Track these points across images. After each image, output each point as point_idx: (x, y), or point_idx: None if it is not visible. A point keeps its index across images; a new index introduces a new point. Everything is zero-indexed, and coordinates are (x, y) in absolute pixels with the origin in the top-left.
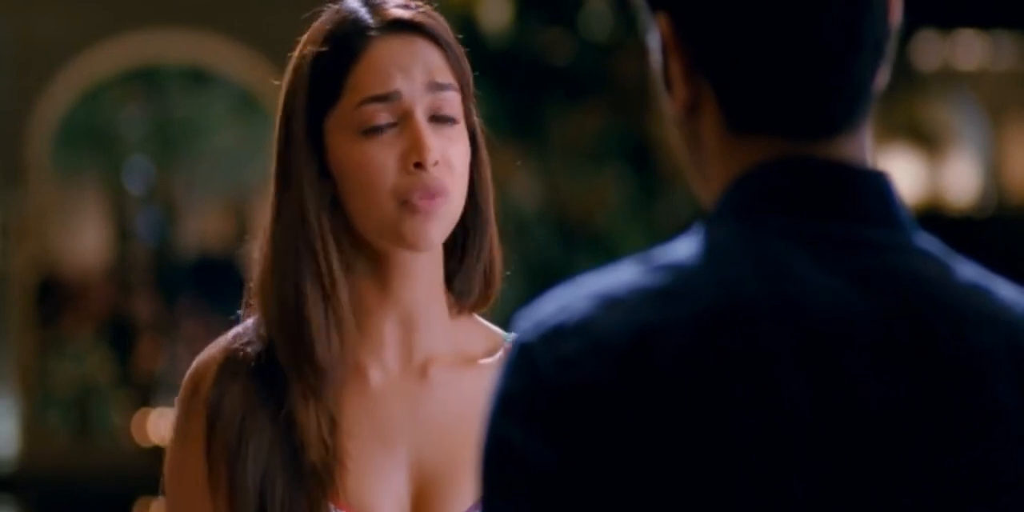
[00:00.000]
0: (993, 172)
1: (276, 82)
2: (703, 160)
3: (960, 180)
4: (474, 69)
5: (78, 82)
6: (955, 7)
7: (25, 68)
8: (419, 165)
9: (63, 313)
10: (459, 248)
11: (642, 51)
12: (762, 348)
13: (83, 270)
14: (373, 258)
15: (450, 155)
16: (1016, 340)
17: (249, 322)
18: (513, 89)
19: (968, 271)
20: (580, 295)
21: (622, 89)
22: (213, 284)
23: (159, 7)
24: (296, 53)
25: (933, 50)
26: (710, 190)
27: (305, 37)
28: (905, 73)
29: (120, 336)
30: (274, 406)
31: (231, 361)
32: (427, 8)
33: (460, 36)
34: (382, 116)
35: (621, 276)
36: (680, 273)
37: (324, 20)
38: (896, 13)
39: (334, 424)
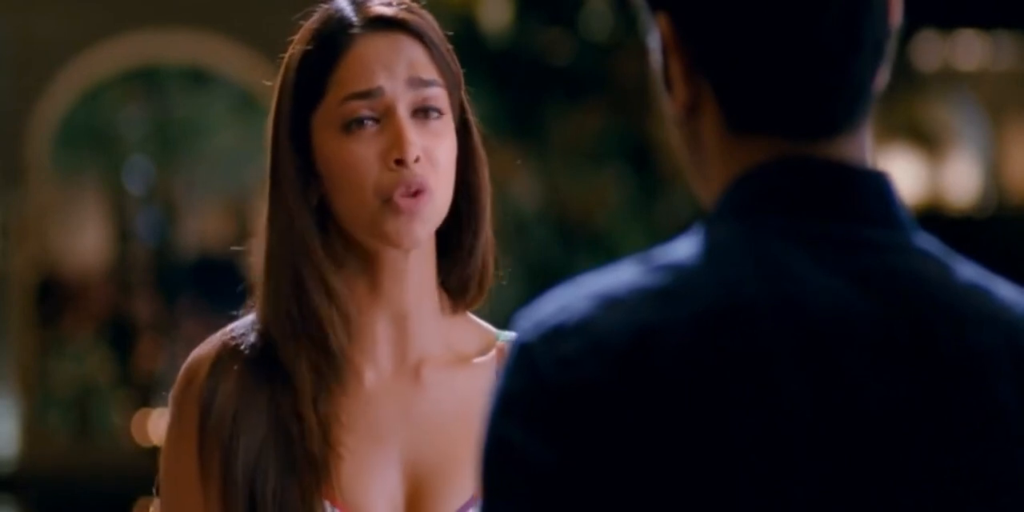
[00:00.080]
0: (993, 172)
1: (269, 83)
2: (703, 160)
3: (960, 180)
4: (474, 69)
5: (78, 82)
6: (955, 7)
7: (25, 68)
8: (400, 161)
9: (63, 313)
10: (452, 244)
11: (642, 51)
12: (762, 348)
13: (83, 270)
14: (364, 257)
15: (434, 151)
16: (1016, 340)
17: (245, 319)
18: (513, 89)
19: (968, 271)
20: (580, 295)
21: (622, 89)
22: (213, 284)
23: (159, 7)
24: (287, 53)
25: (933, 50)
26: (710, 190)
27: (296, 37)
28: (905, 73)
29: (120, 336)
30: (268, 401)
31: (225, 356)
32: (412, 5)
33: (460, 36)
34: (364, 113)
35: (621, 276)
36: (680, 273)
37: (312, 19)
38: (896, 13)
39: (331, 419)
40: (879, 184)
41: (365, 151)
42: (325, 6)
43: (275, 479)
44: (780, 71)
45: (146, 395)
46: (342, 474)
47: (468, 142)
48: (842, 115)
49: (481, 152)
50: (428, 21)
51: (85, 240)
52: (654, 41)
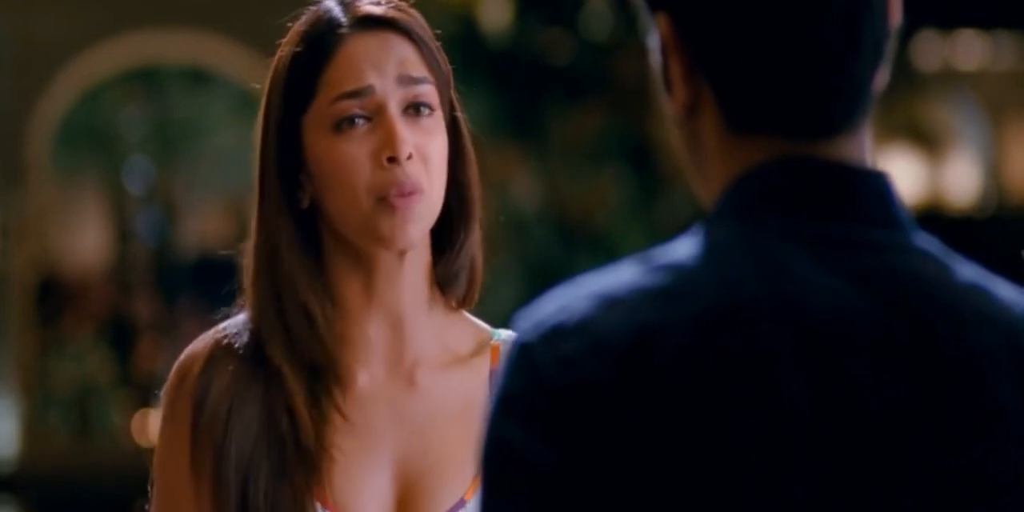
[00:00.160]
0: (993, 172)
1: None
2: (703, 160)
3: (960, 180)
4: (474, 69)
5: (78, 82)
6: (955, 7)
7: (25, 68)
8: (393, 159)
9: (63, 313)
10: (444, 242)
11: (642, 51)
12: (762, 348)
13: (83, 270)
14: (357, 260)
15: (425, 148)
16: (1016, 340)
17: (237, 317)
18: (513, 89)
19: (968, 271)
20: (580, 295)
21: (622, 89)
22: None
23: (159, 7)
24: (276, 56)
25: (933, 50)
26: (710, 190)
27: (284, 39)
28: (905, 73)
29: (120, 336)
30: (261, 398)
31: (218, 353)
32: (401, 4)
33: (460, 36)
34: (356, 112)
35: (621, 276)
36: (680, 273)
37: (301, 21)
38: (896, 13)
39: (323, 421)
40: (879, 184)
41: (357, 150)
42: (313, 7)
43: (267, 480)
44: (780, 71)
45: (146, 395)
46: (333, 476)
47: (458, 140)
48: (842, 115)
49: (471, 150)
50: (417, 19)
51: (85, 240)
52: (654, 41)
